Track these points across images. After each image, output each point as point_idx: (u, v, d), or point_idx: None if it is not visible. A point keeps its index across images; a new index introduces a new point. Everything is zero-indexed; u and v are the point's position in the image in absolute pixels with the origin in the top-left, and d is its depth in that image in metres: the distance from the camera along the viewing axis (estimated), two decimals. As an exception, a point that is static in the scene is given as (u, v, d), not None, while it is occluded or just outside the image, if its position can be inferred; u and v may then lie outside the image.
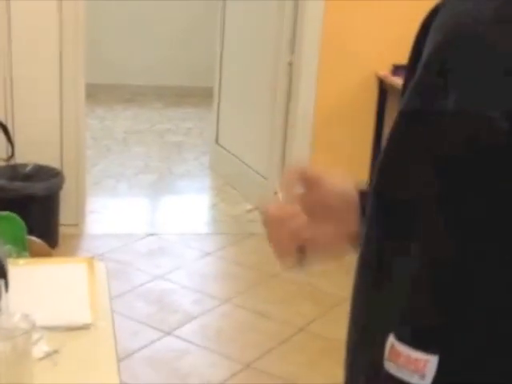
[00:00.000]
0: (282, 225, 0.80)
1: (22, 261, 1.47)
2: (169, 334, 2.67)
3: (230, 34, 3.96)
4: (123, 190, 4.00)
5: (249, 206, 3.82)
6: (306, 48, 3.32)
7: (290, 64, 3.42)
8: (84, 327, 1.32)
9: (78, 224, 3.34)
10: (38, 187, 2.98)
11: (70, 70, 3.15)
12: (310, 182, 0.82)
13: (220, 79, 4.06)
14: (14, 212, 2.75)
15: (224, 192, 4.02)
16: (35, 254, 1.50)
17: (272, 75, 3.53)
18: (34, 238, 1.55)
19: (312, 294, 3.01)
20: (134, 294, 2.91)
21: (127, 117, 5.26)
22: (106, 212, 3.67)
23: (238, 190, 3.98)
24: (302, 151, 3.45)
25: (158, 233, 3.50)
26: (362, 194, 0.82)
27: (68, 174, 3.18)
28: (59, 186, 3.10)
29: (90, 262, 1.55)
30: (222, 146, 4.12)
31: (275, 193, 0.82)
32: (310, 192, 0.82)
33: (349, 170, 0.86)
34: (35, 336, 1.16)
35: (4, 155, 2.99)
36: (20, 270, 1.44)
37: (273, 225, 0.81)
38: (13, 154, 2.80)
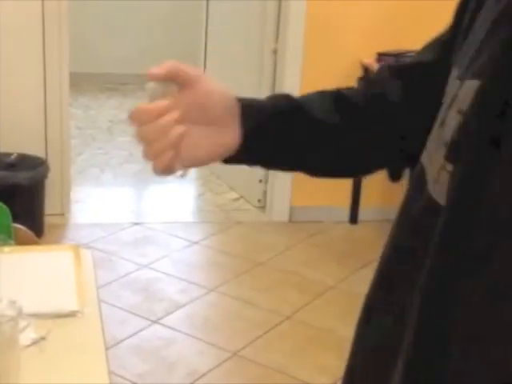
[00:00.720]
0: (151, 120, 0.73)
1: (7, 248, 1.46)
2: (155, 322, 2.66)
3: (213, 22, 3.94)
4: (108, 180, 3.98)
5: (234, 195, 3.82)
6: (290, 36, 3.31)
7: (275, 52, 3.41)
8: (71, 314, 1.31)
9: (63, 213, 3.33)
10: (22, 176, 2.96)
11: (54, 59, 3.12)
12: (187, 81, 0.76)
13: (204, 68, 4.04)
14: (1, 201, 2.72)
15: (210, 182, 4.01)
16: (21, 241, 1.49)
17: (257, 63, 3.52)
18: (19, 226, 1.54)
19: (299, 282, 3.01)
20: (119, 283, 2.90)
21: (111, 106, 5.23)
22: (91, 201, 3.65)
23: (223, 180, 3.97)
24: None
25: (144, 222, 3.49)
26: (244, 105, 0.80)
27: (52, 163, 3.16)
28: (44, 176, 3.08)
29: (76, 249, 1.54)
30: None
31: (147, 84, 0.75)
32: (186, 91, 0.76)
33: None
34: (22, 323, 1.15)
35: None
36: (5, 257, 1.43)
37: (141, 121, 0.74)
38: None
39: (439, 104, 0.77)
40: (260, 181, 3.62)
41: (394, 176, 0.94)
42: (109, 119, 4.94)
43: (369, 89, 0.87)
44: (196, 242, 3.33)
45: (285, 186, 3.52)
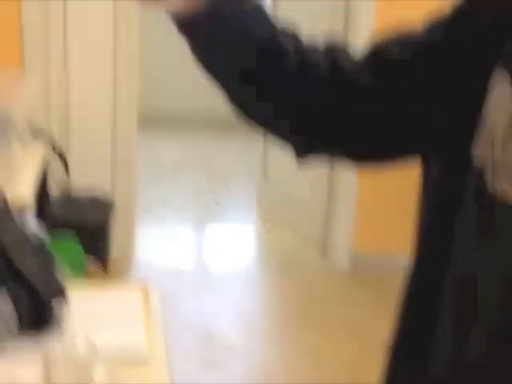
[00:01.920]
0: None
1: (78, 283, 1.47)
2: (214, 368, 2.64)
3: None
4: (172, 220, 4.01)
5: (296, 240, 3.80)
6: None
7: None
8: (139, 358, 1.30)
9: (128, 253, 3.35)
10: (90, 215, 2.99)
11: (124, 97, 3.18)
12: None
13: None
14: (66, 239, 2.77)
15: (271, 222, 4.00)
16: (91, 276, 1.50)
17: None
18: (91, 263, 1.55)
19: (361, 334, 2.95)
20: (179, 325, 2.89)
21: (176, 145, 5.29)
22: (155, 241, 3.68)
23: (284, 221, 3.96)
24: (348, 176, 3.41)
25: (205, 263, 3.50)
26: None
27: (119, 201, 3.20)
28: (111, 215, 3.11)
29: (145, 289, 1.54)
30: (269, 177, 4.12)
31: None
32: None
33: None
34: (96, 364, 1.15)
35: (59, 183, 3.01)
36: (77, 294, 1.44)
37: None
38: (69, 181, 2.82)
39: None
40: (322, 223, 3.60)
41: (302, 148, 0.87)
42: (173, 158, 5.00)
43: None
44: (256, 288, 3.31)
45: (347, 231, 3.49)
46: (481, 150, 0.73)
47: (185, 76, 5.60)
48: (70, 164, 3.08)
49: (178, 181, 4.60)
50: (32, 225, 1.21)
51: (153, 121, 5.44)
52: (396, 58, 0.81)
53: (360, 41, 3.22)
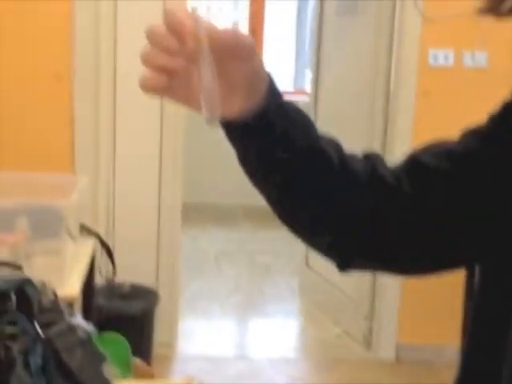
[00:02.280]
0: (161, 39, 0.69)
1: (124, 378, 1.48)
2: None
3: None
4: (214, 311, 4.01)
5: (338, 331, 3.75)
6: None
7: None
8: None
9: (171, 344, 3.36)
10: (134, 307, 3.03)
11: (168, 192, 3.26)
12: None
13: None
14: (111, 331, 2.80)
15: (313, 316, 3.97)
16: (139, 375, 1.51)
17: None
18: (137, 360, 1.57)
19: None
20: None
21: (218, 237, 5.34)
22: (198, 333, 3.67)
23: (327, 314, 3.93)
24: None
25: (248, 356, 3.47)
26: (274, 89, 0.76)
27: (162, 293, 3.23)
28: (155, 306, 3.14)
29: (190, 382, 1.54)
30: (311, 269, 4.11)
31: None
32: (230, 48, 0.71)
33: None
34: None
35: (104, 274, 3.07)
36: (123, 391, 1.45)
37: (151, 38, 0.70)
38: (114, 275, 2.87)
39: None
40: (365, 317, 3.56)
41: (344, 263, 0.87)
42: (215, 250, 5.04)
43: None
44: (299, 379, 3.27)
45: (391, 322, 3.44)
46: None
47: (227, 167, 5.71)
48: (115, 258, 3.14)
49: (220, 272, 4.62)
50: (79, 319, 1.24)
51: (195, 212, 5.52)
52: (433, 165, 0.82)
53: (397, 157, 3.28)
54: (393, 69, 3.38)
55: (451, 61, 3.33)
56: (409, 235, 0.82)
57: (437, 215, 0.81)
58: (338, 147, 0.81)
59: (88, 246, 2.27)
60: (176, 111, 3.19)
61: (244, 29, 5.93)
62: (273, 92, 0.75)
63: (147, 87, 0.69)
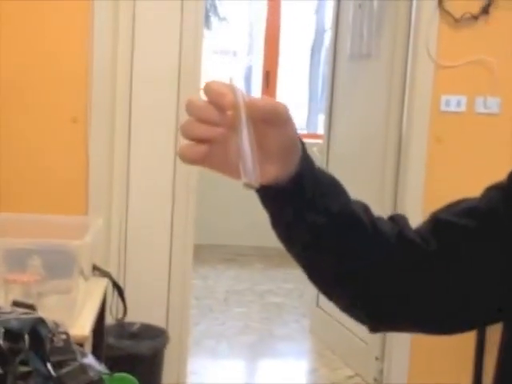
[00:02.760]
0: (201, 109, 0.71)
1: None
2: None
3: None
4: (223, 351, 4.00)
5: (350, 372, 3.73)
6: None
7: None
8: None
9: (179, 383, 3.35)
10: (143, 346, 3.03)
11: (180, 234, 3.28)
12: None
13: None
14: (120, 371, 2.79)
15: (324, 356, 3.95)
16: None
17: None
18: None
19: None
20: None
21: (229, 276, 5.35)
22: (207, 373, 3.66)
23: (338, 355, 3.91)
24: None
25: (258, 397, 3.45)
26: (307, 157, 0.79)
27: (171, 333, 3.23)
28: (164, 346, 3.14)
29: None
30: (322, 309, 4.11)
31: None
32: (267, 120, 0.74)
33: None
34: None
35: (115, 314, 3.08)
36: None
37: (191, 108, 0.71)
38: (125, 315, 2.89)
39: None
40: (376, 358, 3.54)
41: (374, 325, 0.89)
42: (226, 290, 5.04)
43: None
44: (310, 421, 3.24)
45: (402, 363, 3.42)
46: None
47: (238, 207, 5.74)
48: (126, 298, 3.15)
49: (230, 312, 4.61)
50: (91, 359, 1.26)
51: (206, 252, 5.53)
52: (458, 222, 0.84)
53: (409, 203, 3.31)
54: (405, 114, 3.41)
55: (463, 107, 3.36)
56: (439, 295, 0.83)
57: (464, 272, 0.82)
58: (367, 210, 0.84)
59: (100, 286, 2.29)
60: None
61: (258, 70, 6.01)
62: (306, 158, 0.78)
63: (187, 158, 0.72)
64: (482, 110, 3.34)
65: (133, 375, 2.82)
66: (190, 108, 0.71)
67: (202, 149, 0.71)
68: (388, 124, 3.48)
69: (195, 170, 3.28)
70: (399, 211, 3.35)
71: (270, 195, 0.79)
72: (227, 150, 0.73)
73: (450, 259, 0.82)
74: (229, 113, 0.71)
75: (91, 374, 1.22)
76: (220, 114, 0.71)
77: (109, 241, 3.21)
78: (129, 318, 3.20)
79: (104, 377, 1.26)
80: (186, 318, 3.40)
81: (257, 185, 0.70)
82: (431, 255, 0.82)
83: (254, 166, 0.70)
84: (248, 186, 0.70)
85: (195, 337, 4.05)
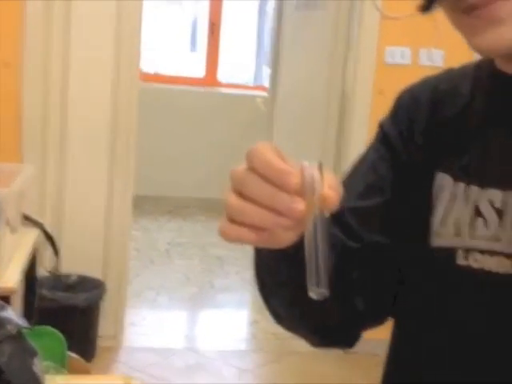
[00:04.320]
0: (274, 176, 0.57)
1: (59, 378, 1.45)
2: None
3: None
4: (163, 303, 3.97)
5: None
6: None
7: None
8: None
9: (116, 336, 3.31)
10: (79, 298, 2.98)
11: (119, 184, 3.21)
12: None
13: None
14: (54, 323, 2.75)
15: (265, 309, 3.96)
16: (73, 370, 1.47)
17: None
18: (72, 355, 1.53)
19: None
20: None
21: (171, 228, 5.30)
22: (145, 324, 3.63)
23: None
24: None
25: (197, 348, 3.45)
26: None
27: (110, 285, 3.19)
28: (100, 297, 3.10)
29: (128, 381, 1.51)
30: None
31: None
32: None
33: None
34: None
35: (48, 266, 3.01)
36: (56, 386, 1.41)
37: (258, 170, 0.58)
38: (58, 266, 2.83)
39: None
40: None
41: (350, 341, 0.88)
42: (167, 242, 5.00)
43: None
44: (248, 371, 3.26)
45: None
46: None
47: (182, 159, 5.67)
48: (62, 248, 3.08)
49: (171, 264, 4.58)
50: (10, 312, 1.20)
51: (148, 204, 5.47)
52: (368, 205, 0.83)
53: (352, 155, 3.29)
54: (350, 66, 3.38)
55: (408, 59, 3.34)
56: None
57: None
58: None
59: (30, 237, 2.20)
60: (129, 103, 3.14)
61: (204, 23, 5.89)
62: None
63: (231, 238, 0.61)
64: (425, 62, 3.32)
65: (67, 327, 2.79)
66: (248, 182, 0.59)
67: (251, 236, 0.60)
68: (332, 77, 3.45)
69: (135, 120, 3.20)
70: (343, 165, 3.34)
71: (269, 255, 0.72)
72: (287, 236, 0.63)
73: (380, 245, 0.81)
74: (300, 207, 0.57)
75: (9, 327, 1.18)
76: (289, 199, 0.57)
77: (44, 190, 3.11)
78: (66, 270, 3.14)
79: (24, 331, 1.22)
80: (125, 269, 3.35)
81: (327, 293, 0.58)
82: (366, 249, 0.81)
83: (327, 272, 0.57)
84: (318, 294, 0.58)
85: (135, 289, 4.01)
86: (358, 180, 0.84)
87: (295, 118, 3.79)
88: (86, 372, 1.55)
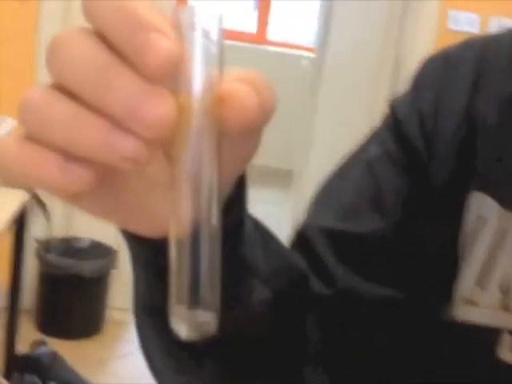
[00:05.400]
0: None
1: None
2: None
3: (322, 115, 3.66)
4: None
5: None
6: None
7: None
8: None
9: (127, 309, 3.09)
10: (87, 266, 2.74)
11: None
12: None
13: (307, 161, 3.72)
14: (62, 291, 2.58)
15: None
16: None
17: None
18: None
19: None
20: None
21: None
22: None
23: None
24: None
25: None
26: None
27: (123, 253, 2.95)
28: (112, 266, 2.87)
29: None
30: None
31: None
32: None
33: None
34: None
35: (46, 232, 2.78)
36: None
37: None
38: (49, 234, 2.64)
39: None
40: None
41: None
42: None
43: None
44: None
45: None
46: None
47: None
48: (76, 210, 2.85)
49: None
50: None
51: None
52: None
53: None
54: (407, 29, 3.09)
55: (476, 27, 2.99)
56: None
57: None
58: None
59: (14, 199, 1.89)
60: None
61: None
62: (241, 202, 0.42)
63: (20, 168, 0.31)
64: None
65: (73, 296, 2.61)
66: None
67: (86, 176, 0.31)
68: (387, 41, 3.17)
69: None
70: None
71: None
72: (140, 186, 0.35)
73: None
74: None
75: None
76: (146, 89, 0.29)
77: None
78: (78, 233, 2.92)
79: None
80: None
81: (215, 320, 0.30)
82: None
83: (213, 283, 0.30)
84: (193, 322, 0.30)
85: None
86: (345, 188, 0.54)
87: (342, 84, 3.49)
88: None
